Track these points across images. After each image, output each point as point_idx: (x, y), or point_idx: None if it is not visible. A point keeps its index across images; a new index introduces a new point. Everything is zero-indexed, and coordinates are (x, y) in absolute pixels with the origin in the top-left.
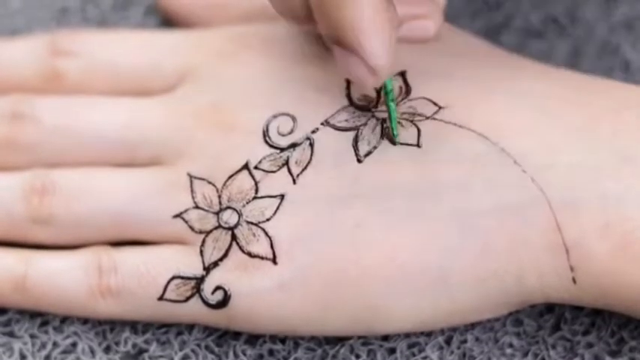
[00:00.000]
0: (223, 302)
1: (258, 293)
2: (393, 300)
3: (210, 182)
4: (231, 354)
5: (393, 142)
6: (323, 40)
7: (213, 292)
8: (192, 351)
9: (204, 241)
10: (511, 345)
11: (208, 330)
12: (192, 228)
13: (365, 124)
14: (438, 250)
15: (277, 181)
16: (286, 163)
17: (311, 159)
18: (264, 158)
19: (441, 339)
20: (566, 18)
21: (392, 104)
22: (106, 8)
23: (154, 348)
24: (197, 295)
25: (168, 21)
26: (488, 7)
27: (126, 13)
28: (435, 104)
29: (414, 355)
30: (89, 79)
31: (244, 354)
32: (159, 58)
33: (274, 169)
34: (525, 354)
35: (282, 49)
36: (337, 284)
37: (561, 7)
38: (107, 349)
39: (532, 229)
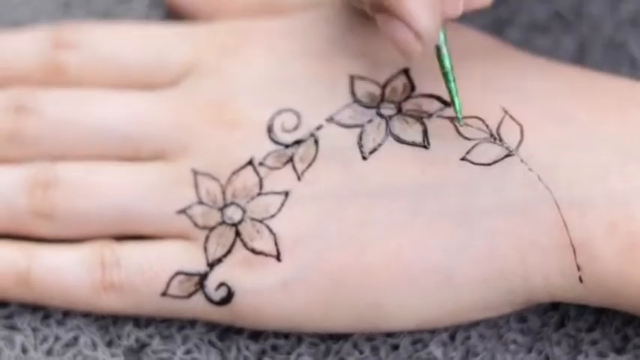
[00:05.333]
0: (227, 299)
1: (262, 290)
2: (397, 299)
3: (214, 178)
4: (234, 349)
5: (458, 124)
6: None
7: (216, 289)
8: (195, 345)
9: (207, 237)
10: (515, 341)
11: (211, 324)
12: (195, 223)
13: (370, 121)
14: (443, 250)
15: (282, 178)
16: (291, 159)
17: (316, 156)
18: (269, 154)
19: (444, 335)
20: (571, 14)
21: (449, 73)
22: (110, 0)
23: (156, 342)
24: (200, 291)
25: (172, 14)
26: (494, 2)
27: (130, 5)
28: (441, 101)
29: (417, 351)
30: (92, 72)
31: (247, 349)
32: (163, 52)
33: (279, 165)
34: (529, 350)
35: (287, 45)
36: (341, 282)
37: (567, 2)
38: (109, 343)
39: (538, 228)
